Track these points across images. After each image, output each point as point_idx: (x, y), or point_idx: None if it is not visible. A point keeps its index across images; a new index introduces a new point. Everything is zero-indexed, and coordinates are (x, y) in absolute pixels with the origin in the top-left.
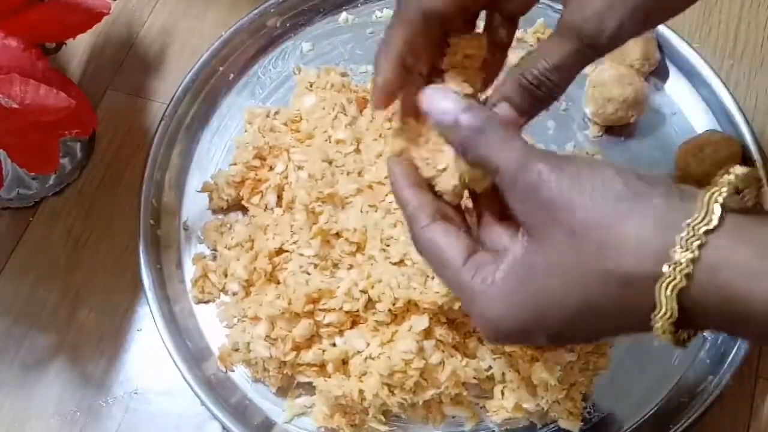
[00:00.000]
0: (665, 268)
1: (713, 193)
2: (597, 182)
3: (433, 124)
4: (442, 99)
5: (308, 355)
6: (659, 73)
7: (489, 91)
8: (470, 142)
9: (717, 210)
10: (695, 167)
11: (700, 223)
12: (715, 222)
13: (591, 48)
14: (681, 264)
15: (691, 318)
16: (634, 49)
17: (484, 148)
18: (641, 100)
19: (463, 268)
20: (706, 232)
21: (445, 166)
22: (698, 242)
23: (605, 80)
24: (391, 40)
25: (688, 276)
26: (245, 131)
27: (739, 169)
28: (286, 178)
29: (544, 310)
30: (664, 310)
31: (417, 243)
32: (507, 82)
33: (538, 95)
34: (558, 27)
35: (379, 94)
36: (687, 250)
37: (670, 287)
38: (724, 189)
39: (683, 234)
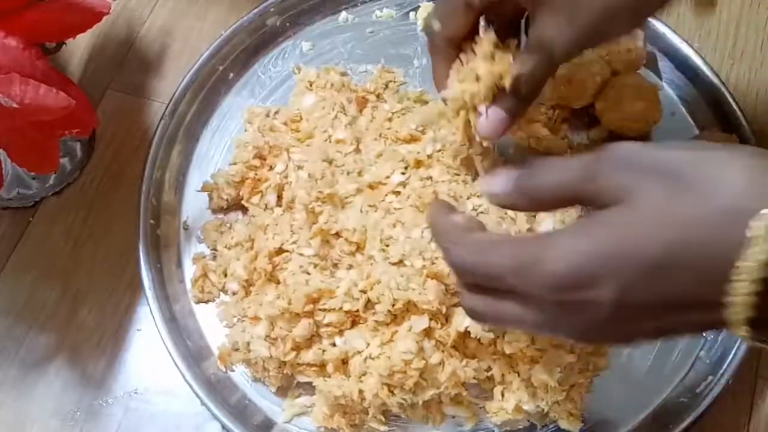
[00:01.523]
0: (735, 284)
1: None
2: (684, 143)
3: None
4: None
5: (308, 355)
6: (659, 73)
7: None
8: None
9: None
10: None
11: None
12: None
13: (552, 60)
14: (753, 273)
15: None
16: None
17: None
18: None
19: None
20: None
21: None
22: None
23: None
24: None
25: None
26: (245, 131)
27: None
28: (286, 177)
29: (624, 249)
30: (750, 262)
31: (463, 254)
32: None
33: (520, 98)
34: (527, 42)
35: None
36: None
37: (739, 299)
38: None
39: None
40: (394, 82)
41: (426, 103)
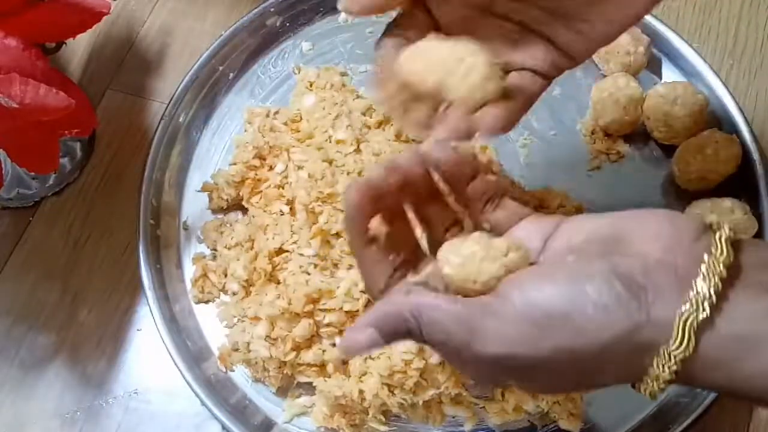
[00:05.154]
0: (647, 381)
1: (688, 318)
2: (557, 326)
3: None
4: (359, 336)
5: (308, 355)
6: (659, 73)
7: None
8: (417, 328)
9: (692, 338)
10: (695, 167)
11: (676, 350)
12: (692, 349)
13: None
14: (660, 380)
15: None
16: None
17: (430, 328)
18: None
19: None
20: (683, 359)
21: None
22: (675, 367)
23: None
24: None
25: (666, 385)
26: (245, 131)
27: (703, 284)
28: (286, 178)
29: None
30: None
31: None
32: None
33: None
34: None
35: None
36: (666, 370)
37: (648, 392)
38: (694, 313)
39: (661, 359)
40: None
41: None
